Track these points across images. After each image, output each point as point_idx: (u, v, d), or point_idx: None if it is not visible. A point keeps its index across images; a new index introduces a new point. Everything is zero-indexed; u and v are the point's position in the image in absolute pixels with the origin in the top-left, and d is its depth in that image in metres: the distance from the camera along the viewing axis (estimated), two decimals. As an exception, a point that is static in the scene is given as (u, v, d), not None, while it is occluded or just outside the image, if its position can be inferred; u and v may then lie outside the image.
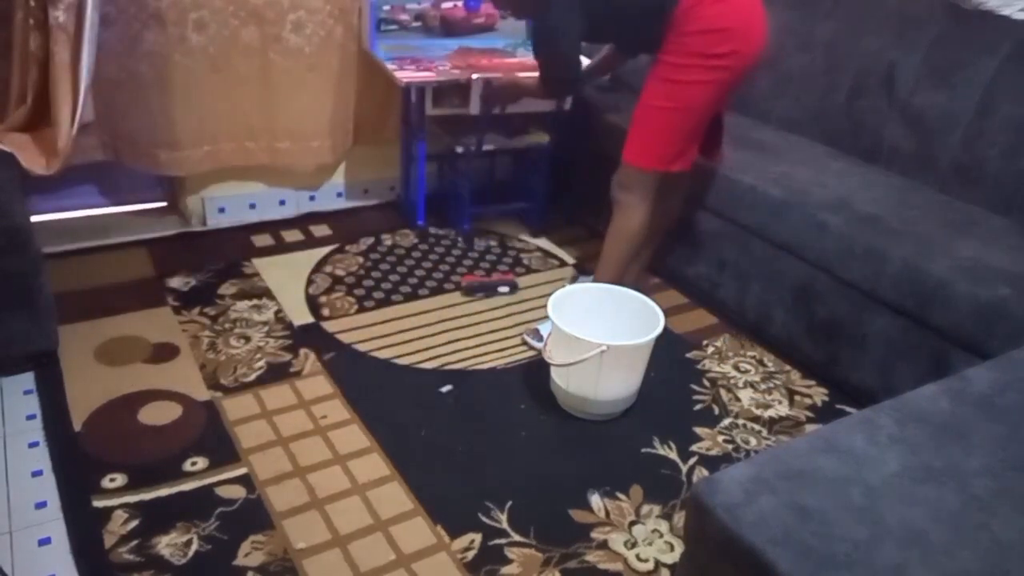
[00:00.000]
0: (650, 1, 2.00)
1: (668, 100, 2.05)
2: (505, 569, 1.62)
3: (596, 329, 1.98)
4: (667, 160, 2.14)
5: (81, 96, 2.16)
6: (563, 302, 2.07)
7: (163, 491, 1.73)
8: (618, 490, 1.84)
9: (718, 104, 2.13)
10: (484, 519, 1.73)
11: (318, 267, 2.64)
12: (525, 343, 2.31)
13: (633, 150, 2.16)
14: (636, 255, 2.35)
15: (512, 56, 2.85)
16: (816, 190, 2.32)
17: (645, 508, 1.80)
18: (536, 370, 2.23)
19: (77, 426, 1.88)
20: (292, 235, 2.82)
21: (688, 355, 2.36)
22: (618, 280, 2.25)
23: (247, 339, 2.24)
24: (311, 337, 2.28)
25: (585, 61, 2.41)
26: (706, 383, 2.25)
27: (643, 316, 2.07)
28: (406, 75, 2.54)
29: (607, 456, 1.94)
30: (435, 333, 2.34)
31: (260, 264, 2.61)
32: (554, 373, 2.08)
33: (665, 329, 2.47)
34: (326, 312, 2.40)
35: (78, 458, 1.79)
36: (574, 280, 2.37)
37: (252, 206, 2.89)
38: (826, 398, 2.22)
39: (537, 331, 2.32)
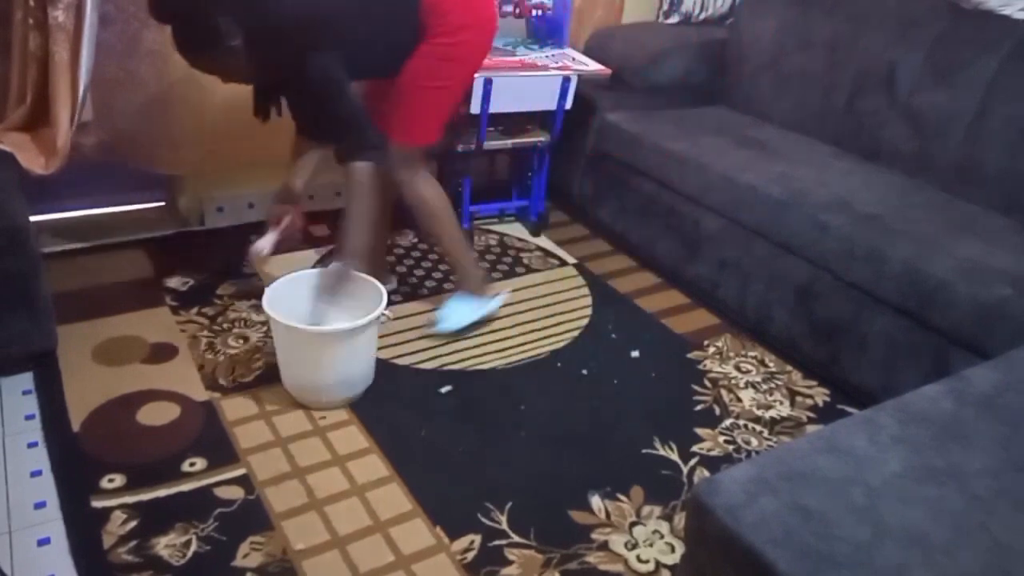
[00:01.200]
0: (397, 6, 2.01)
1: (439, 79, 2.07)
2: (505, 570, 1.61)
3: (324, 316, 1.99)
4: (440, 132, 2.18)
5: (80, 96, 2.16)
6: (281, 294, 2.01)
7: (162, 492, 1.72)
8: (618, 491, 1.84)
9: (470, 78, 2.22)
10: (484, 520, 1.73)
11: (317, 266, 2.63)
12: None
13: (417, 130, 2.11)
14: (379, 236, 2.33)
15: (512, 55, 2.84)
16: (817, 190, 2.32)
17: (646, 509, 1.80)
18: (536, 370, 2.23)
19: (76, 426, 1.87)
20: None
21: (689, 355, 2.36)
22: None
23: (246, 339, 2.24)
24: (310, 337, 2.27)
25: None
26: (707, 383, 2.24)
27: (366, 296, 2.02)
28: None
29: (607, 456, 1.94)
30: (435, 333, 2.34)
31: (260, 264, 2.61)
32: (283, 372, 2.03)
33: (666, 329, 2.48)
34: (325, 312, 2.39)
35: (77, 458, 1.79)
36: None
37: (251, 205, 2.89)
38: (827, 398, 2.22)
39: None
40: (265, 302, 1.94)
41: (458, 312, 2.33)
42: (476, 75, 2.53)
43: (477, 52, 2.14)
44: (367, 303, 1.99)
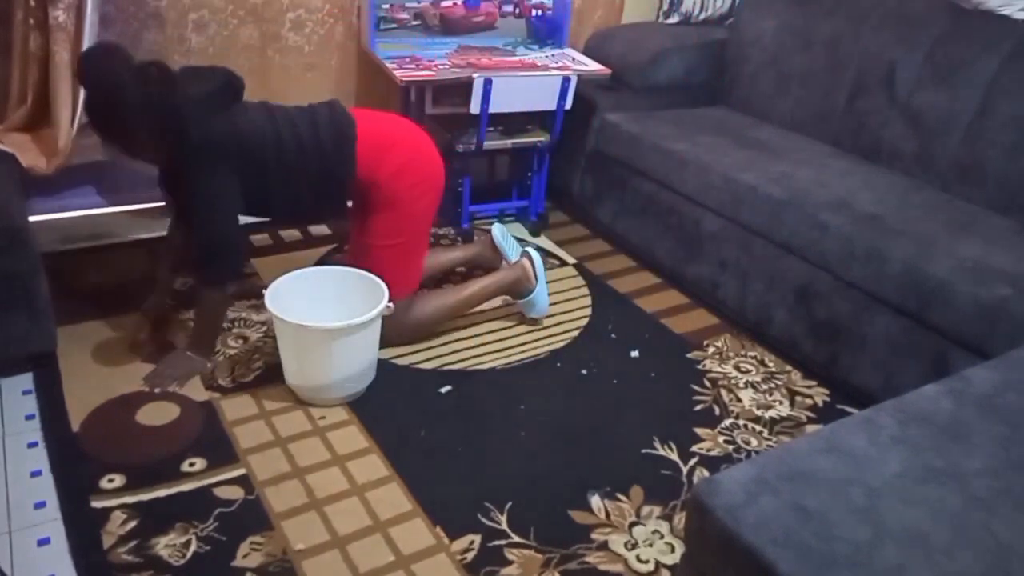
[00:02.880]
0: (328, 177, 2.05)
1: (400, 235, 2.13)
2: (505, 570, 1.61)
3: (324, 314, 1.98)
4: (420, 277, 2.27)
5: (81, 96, 2.16)
6: (282, 292, 2.01)
7: (161, 492, 1.72)
8: (618, 491, 1.84)
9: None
10: (484, 520, 1.73)
11: (317, 267, 2.63)
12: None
13: (397, 286, 2.09)
14: None
15: (512, 55, 2.84)
16: (817, 190, 2.32)
17: (645, 509, 1.80)
18: (536, 370, 2.23)
19: (76, 426, 1.87)
20: (290, 234, 2.82)
21: (689, 355, 2.36)
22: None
23: (245, 339, 2.24)
24: (310, 337, 2.27)
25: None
26: (707, 383, 2.24)
27: (369, 293, 2.03)
28: (406, 74, 2.54)
29: (607, 456, 1.94)
30: (434, 333, 2.33)
31: (259, 264, 2.61)
32: (286, 369, 2.03)
33: (665, 329, 2.48)
34: (325, 312, 2.39)
35: (77, 458, 1.79)
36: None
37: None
38: (827, 398, 2.22)
39: None
40: (267, 299, 1.94)
41: (538, 302, 2.40)
42: (476, 74, 2.55)
43: (429, 198, 2.16)
44: (369, 298, 2.00)
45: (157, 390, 2.00)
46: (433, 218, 2.22)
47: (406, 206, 2.11)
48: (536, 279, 2.38)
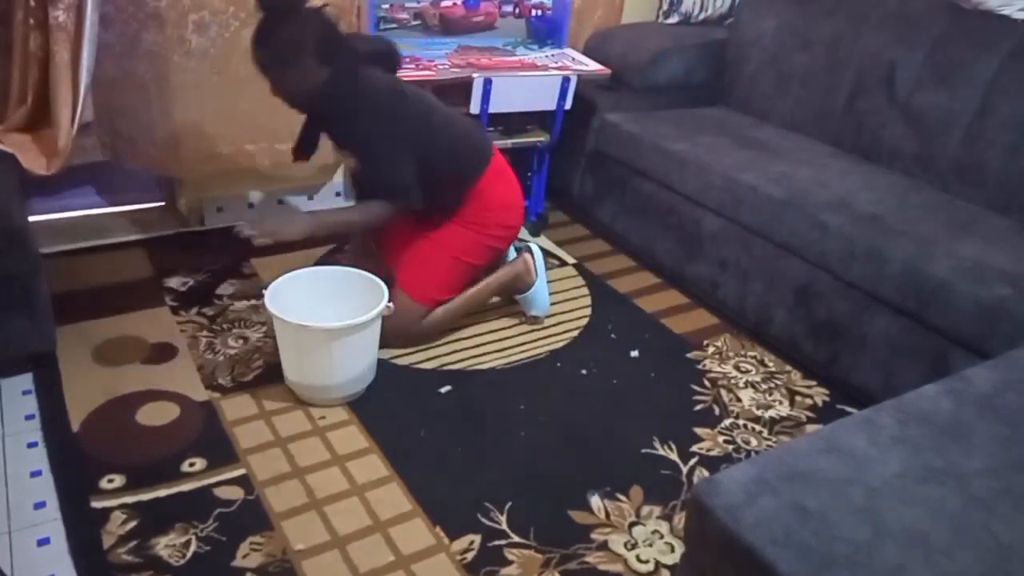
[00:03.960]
0: (456, 169, 2.18)
1: (469, 256, 2.22)
2: (505, 570, 1.61)
3: (324, 313, 1.98)
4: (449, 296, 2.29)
5: (81, 96, 2.16)
6: (282, 292, 2.00)
7: (161, 492, 1.72)
8: (618, 491, 1.84)
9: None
10: (483, 520, 1.73)
11: (317, 266, 2.63)
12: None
13: (434, 291, 2.21)
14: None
15: (512, 55, 2.84)
16: (817, 190, 2.32)
17: (645, 509, 1.80)
18: (536, 370, 2.23)
19: (75, 427, 1.87)
20: (291, 235, 2.82)
21: (688, 355, 2.36)
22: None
23: (245, 339, 2.24)
24: (310, 337, 2.27)
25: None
26: (707, 383, 2.24)
27: (368, 293, 2.04)
28: (405, 74, 2.53)
29: (607, 456, 1.94)
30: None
31: (259, 264, 2.61)
32: (286, 367, 2.02)
33: (665, 329, 2.48)
34: (325, 312, 2.39)
35: (77, 459, 1.79)
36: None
37: (251, 206, 2.89)
38: (827, 398, 2.22)
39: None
40: (267, 299, 1.93)
41: (538, 298, 2.41)
42: (476, 74, 2.55)
43: (503, 246, 2.32)
44: (368, 299, 2.00)
45: (247, 234, 1.99)
46: (487, 265, 2.31)
47: (489, 238, 2.23)
48: (536, 274, 2.38)
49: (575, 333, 2.42)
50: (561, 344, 2.35)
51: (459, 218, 2.21)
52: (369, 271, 2.11)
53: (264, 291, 1.98)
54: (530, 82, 2.67)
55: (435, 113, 2.13)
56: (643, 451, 1.97)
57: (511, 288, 2.39)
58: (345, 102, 2.02)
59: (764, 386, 2.25)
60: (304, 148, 2.22)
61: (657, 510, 1.79)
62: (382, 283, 2.03)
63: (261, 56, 1.93)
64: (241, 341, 2.23)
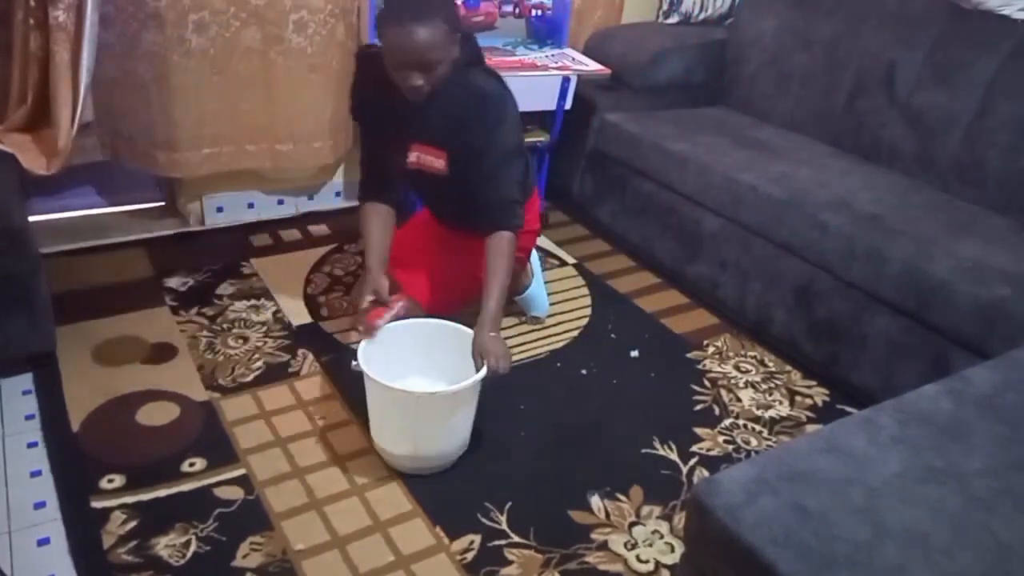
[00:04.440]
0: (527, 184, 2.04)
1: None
2: (505, 570, 1.61)
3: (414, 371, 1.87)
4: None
5: (81, 96, 2.16)
6: (371, 353, 1.80)
7: (161, 492, 1.72)
8: (618, 491, 1.84)
9: None
10: (483, 520, 1.73)
11: (317, 267, 2.63)
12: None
13: (450, 306, 2.05)
14: None
15: (512, 55, 2.84)
16: (817, 190, 2.32)
17: (645, 509, 1.80)
18: (536, 370, 2.23)
19: (75, 426, 1.87)
20: (290, 235, 2.82)
21: (688, 355, 2.36)
22: None
23: (245, 339, 2.24)
24: (310, 337, 2.27)
25: None
26: (706, 383, 2.24)
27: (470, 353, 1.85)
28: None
29: (607, 456, 1.94)
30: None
31: (258, 264, 2.61)
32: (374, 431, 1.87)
33: (665, 329, 2.48)
34: (325, 312, 2.39)
35: (77, 458, 1.79)
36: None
37: (250, 206, 2.89)
38: (827, 398, 2.22)
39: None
40: (361, 360, 1.74)
41: (537, 299, 2.41)
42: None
43: (521, 264, 2.25)
44: (450, 348, 1.87)
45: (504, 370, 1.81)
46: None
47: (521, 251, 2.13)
48: (532, 274, 2.38)
49: (575, 333, 2.41)
50: (561, 344, 2.35)
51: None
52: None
53: (355, 362, 1.75)
54: (530, 82, 2.66)
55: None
56: (643, 451, 1.97)
57: (509, 290, 2.37)
58: (472, 87, 1.82)
59: (764, 386, 2.25)
60: (385, 188, 1.99)
61: (657, 510, 1.79)
62: (463, 329, 1.87)
63: (423, 32, 1.68)
64: (241, 341, 2.23)
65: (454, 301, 2.09)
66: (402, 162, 1.96)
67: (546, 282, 2.53)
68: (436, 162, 1.92)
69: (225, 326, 2.28)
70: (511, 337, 2.36)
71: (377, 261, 1.93)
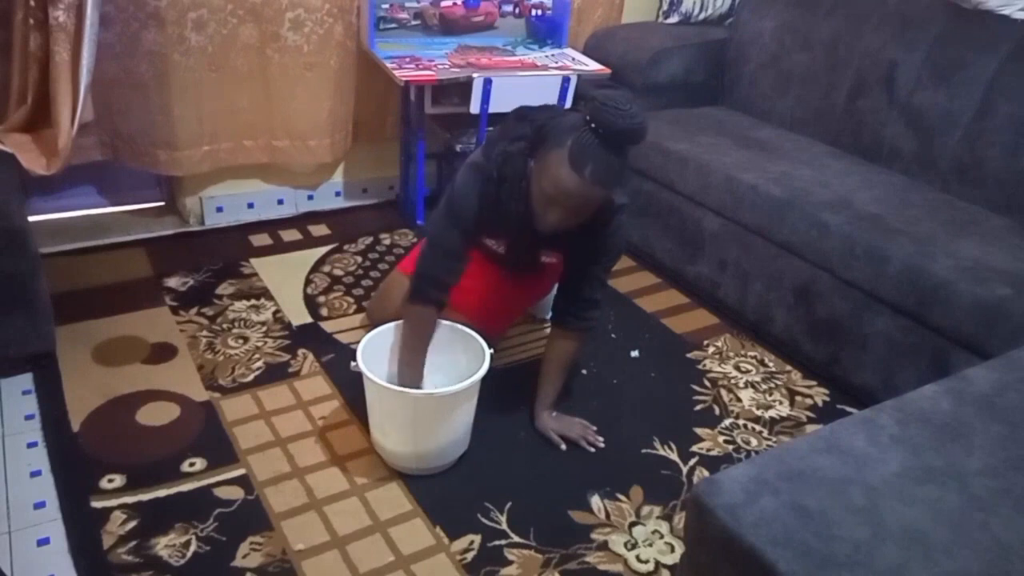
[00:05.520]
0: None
1: (538, 294, 2.26)
2: (505, 570, 1.61)
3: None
4: None
5: (81, 96, 2.16)
6: (375, 345, 1.83)
7: (161, 492, 1.72)
8: (618, 491, 1.84)
9: None
10: (483, 520, 1.73)
11: (316, 267, 2.63)
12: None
13: (504, 328, 2.23)
14: None
15: (511, 54, 2.84)
16: (817, 189, 2.32)
17: (645, 509, 1.80)
18: (536, 370, 2.23)
19: (75, 426, 1.87)
20: (290, 235, 2.82)
21: (688, 355, 2.36)
22: None
23: (245, 339, 2.24)
24: (309, 337, 2.27)
25: None
26: (707, 383, 2.24)
27: (469, 352, 1.87)
28: (405, 73, 2.54)
29: (607, 456, 1.94)
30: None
31: (258, 264, 2.61)
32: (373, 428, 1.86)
33: (665, 329, 2.48)
34: (325, 312, 2.39)
35: (76, 458, 1.79)
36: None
37: (250, 205, 2.89)
38: (827, 398, 2.22)
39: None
40: (361, 365, 1.73)
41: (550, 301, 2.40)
42: (476, 74, 2.55)
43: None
44: (452, 349, 1.90)
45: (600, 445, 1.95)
46: None
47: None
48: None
49: (575, 333, 2.41)
50: (561, 344, 2.35)
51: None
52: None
53: (354, 362, 1.76)
54: (530, 82, 2.66)
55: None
56: (643, 451, 1.97)
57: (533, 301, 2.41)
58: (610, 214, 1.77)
59: (764, 386, 2.25)
60: (447, 288, 1.83)
61: (657, 510, 1.79)
62: (483, 343, 1.86)
63: (598, 196, 1.62)
64: (241, 341, 2.23)
65: (501, 324, 2.16)
66: (499, 250, 1.99)
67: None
68: (550, 259, 1.96)
69: (225, 326, 2.28)
70: (511, 337, 2.36)
71: (419, 370, 1.88)
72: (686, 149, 2.61)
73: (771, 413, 2.14)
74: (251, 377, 2.09)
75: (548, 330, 2.40)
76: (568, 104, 2.74)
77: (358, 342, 1.82)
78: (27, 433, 1.86)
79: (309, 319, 2.35)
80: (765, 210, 2.33)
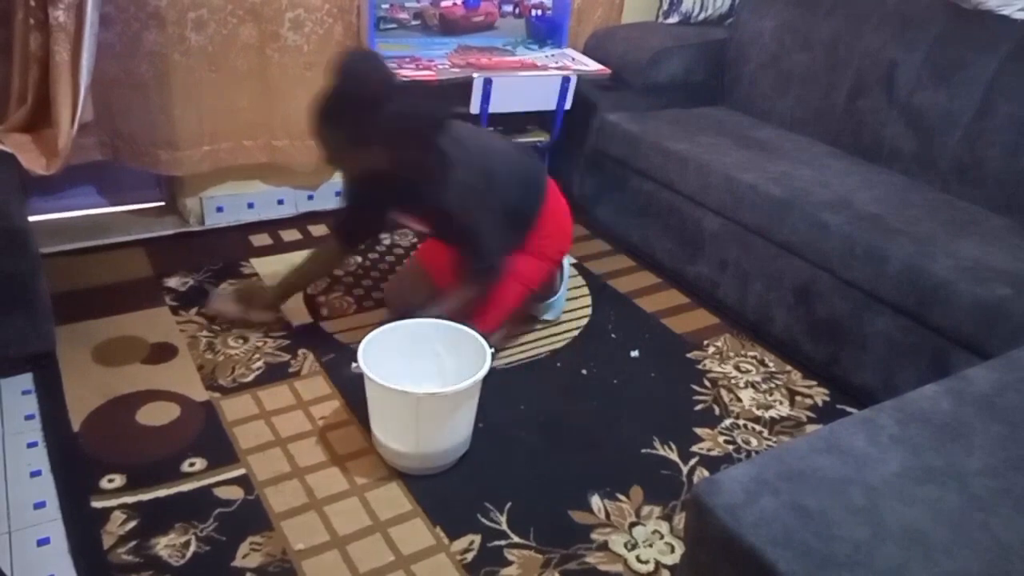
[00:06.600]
0: (524, 216, 2.16)
1: (530, 282, 2.23)
2: (505, 571, 1.61)
3: (416, 372, 1.88)
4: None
5: (81, 96, 2.16)
6: (376, 344, 1.83)
7: (161, 492, 1.72)
8: (618, 491, 1.84)
9: None
10: (483, 520, 1.73)
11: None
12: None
13: (498, 321, 2.19)
14: None
15: (511, 55, 2.84)
16: (817, 189, 2.32)
17: (645, 509, 1.80)
18: (536, 370, 2.23)
19: (76, 426, 1.87)
20: (290, 234, 2.82)
21: (689, 355, 2.36)
22: None
23: (245, 339, 2.24)
24: (310, 337, 2.27)
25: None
26: (707, 383, 2.24)
27: (470, 352, 1.87)
28: (405, 74, 2.54)
29: (607, 456, 1.94)
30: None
31: (258, 264, 2.61)
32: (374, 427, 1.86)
33: (665, 329, 2.48)
34: (325, 312, 2.39)
35: (77, 458, 1.79)
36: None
37: (250, 205, 2.89)
38: (827, 398, 2.22)
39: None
40: (363, 366, 1.74)
41: (556, 305, 2.46)
42: (476, 74, 2.55)
43: (559, 265, 2.38)
44: (471, 356, 1.87)
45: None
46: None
47: (548, 262, 2.26)
48: (562, 279, 2.41)
49: (575, 333, 2.41)
50: (561, 344, 2.35)
51: (523, 250, 2.18)
52: (421, 294, 2.13)
53: (355, 363, 1.79)
54: (530, 82, 2.67)
55: (497, 169, 2.05)
56: (643, 451, 1.97)
57: (539, 295, 2.40)
58: (426, 173, 1.93)
59: (764, 386, 2.25)
60: (352, 238, 2.29)
61: (657, 510, 1.79)
62: (484, 342, 1.86)
63: (328, 136, 1.81)
64: (241, 341, 2.23)
65: (507, 311, 2.19)
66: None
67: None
68: (418, 226, 2.18)
69: (225, 326, 2.28)
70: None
71: (284, 288, 2.27)
72: (686, 149, 2.61)
73: (771, 413, 2.14)
74: (251, 377, 2.09)
75: (548, 330, 2.41)
76: (568, 104, 2.75)
77: (358, 342, 1.82)
78: (27, 433, 1.86)
79: (309, 319, 2.35)
80: (765, 210, 2.33)
